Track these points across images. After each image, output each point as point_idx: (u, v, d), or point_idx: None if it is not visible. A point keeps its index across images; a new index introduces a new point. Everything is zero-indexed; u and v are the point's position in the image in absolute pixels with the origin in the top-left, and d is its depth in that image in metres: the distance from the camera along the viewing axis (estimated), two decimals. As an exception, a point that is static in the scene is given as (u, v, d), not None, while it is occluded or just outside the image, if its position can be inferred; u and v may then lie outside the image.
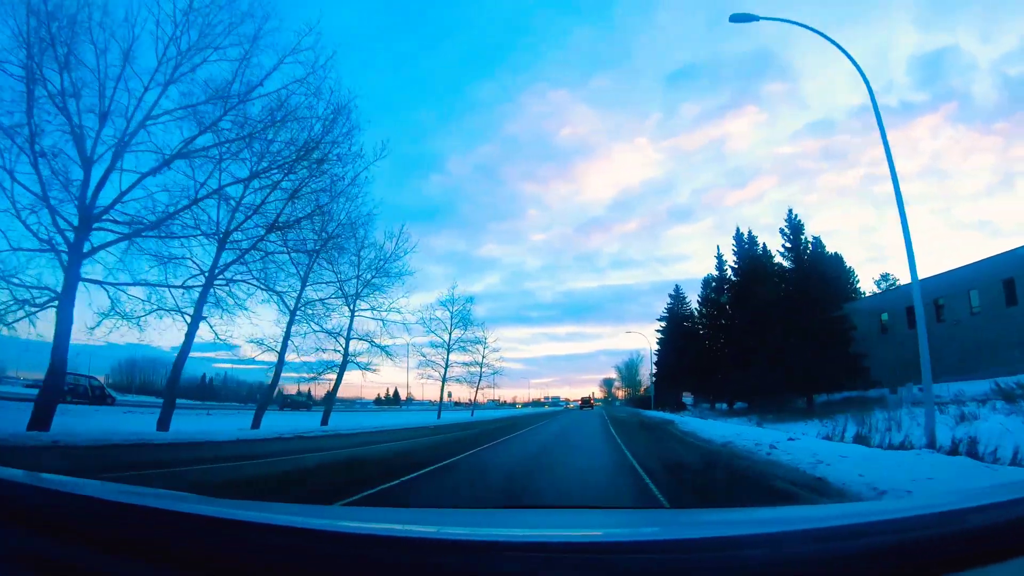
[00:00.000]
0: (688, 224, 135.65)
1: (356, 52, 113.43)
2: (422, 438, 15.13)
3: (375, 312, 22.86)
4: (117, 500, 1.28)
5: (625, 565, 0.94)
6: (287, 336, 18.82)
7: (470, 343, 37.24)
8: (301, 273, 19.42)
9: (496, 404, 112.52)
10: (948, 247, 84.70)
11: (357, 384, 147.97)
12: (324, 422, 21.42)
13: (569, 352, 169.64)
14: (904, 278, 50.62)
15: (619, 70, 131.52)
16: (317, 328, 21.45)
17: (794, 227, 31.11)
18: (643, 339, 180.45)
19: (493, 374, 40.64)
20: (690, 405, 48.64)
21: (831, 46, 11.03)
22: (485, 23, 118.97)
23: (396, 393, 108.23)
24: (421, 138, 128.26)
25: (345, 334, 22.10)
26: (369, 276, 22.45)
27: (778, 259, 37.75)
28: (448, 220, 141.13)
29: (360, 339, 22.64)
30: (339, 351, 22.00)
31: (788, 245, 31.09)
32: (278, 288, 18.53)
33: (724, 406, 42.39)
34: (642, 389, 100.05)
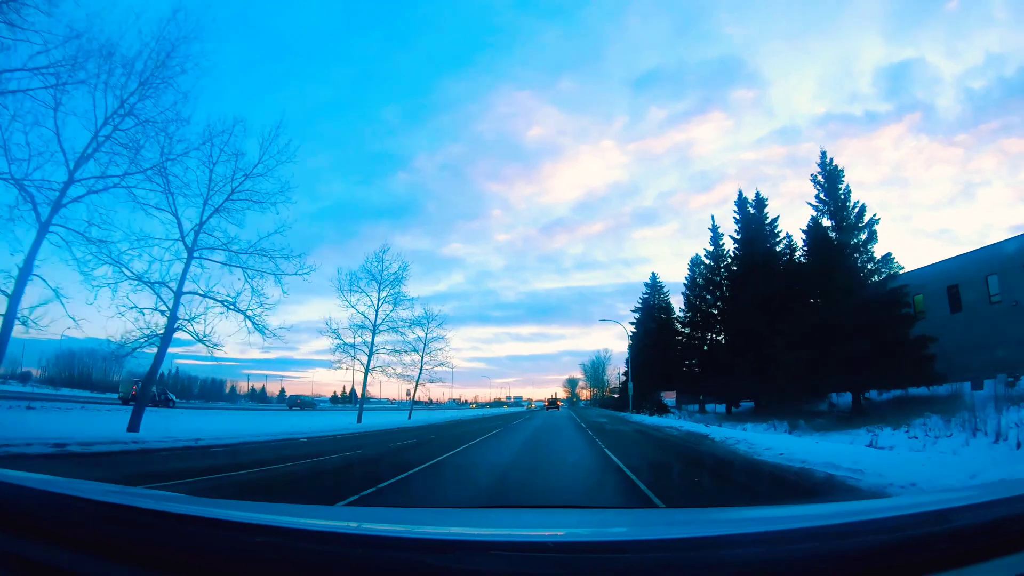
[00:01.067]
0: (653, 227, 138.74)
1: (322, 45, 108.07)
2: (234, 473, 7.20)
3: (230, 254, 14.20)
4: (104, 500, 1.26)
5: (612, 565, 0.93)
6: (28, 266, 10.18)
7: (405, 325, 28.76)
8: (70, 160, 10.83)
9: (457, 403, 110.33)
10: (909, 255, 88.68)
11: (309, 381, 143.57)
12: (132, 427, 12.77)
13: (532, 352, 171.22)
14: (915, 262, 44.84)
15: (587, 73, 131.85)
16: (129, 274, 12.82)
17: (830, 175, 23.96)
18: (618, 331, 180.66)
19: (439, 366, 32.31)
20: (672, 407, 41.69)
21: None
22: (454, 21, 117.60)
23: (353, 391, 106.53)
24: (388, 135, 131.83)
25: (176, 286, 13.42)
26: (220, 200, 13.82)
27: (784, 236, 31.23)
28: (414, 218, 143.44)
29: (205, 296, 13.97)
30: (164, 312, 13.30)
31: (824, 198, 23.67)
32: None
33: (721, 408, 35.48)
34: (607, 390, 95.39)
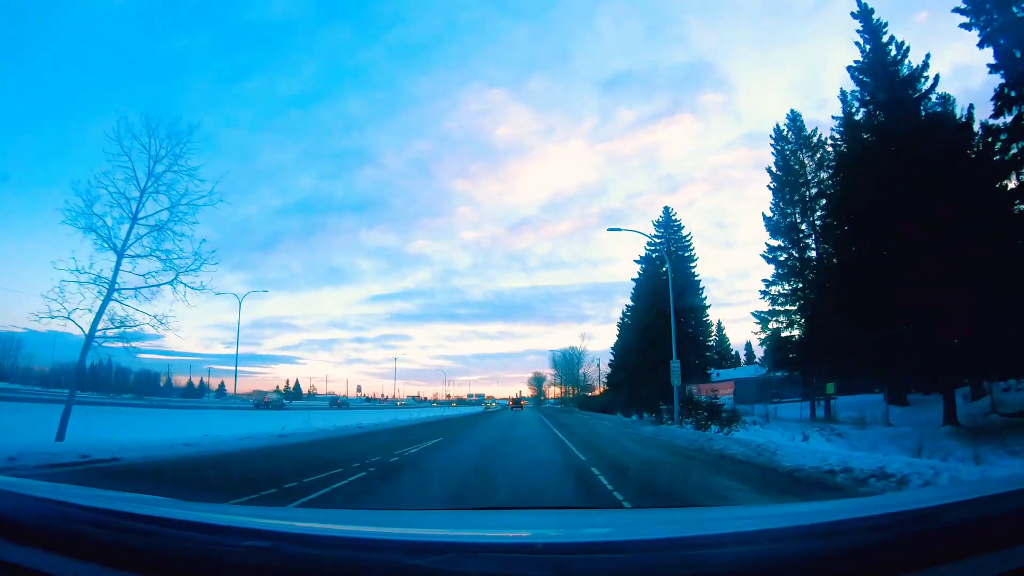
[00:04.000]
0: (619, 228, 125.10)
1: (289, 36, 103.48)
2: None
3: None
4: (88, 505, 1.21)
5: (602, 566, 0.93)
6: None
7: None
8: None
9: (415, 400, 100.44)
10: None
11: (271, 377, 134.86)
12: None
13: (498, 351, 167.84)
14: None
15: (557, 73, 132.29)
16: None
17: None
18: (586, 330, 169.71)
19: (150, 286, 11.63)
20: (730, 404, 21.76)
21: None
22: (424, 17, 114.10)
23: (297, 385, 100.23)
24: (356, 130, 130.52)
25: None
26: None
27: None
28: (380, 214, 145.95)
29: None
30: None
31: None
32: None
33: (880, 405, 16.05)
34: (574, 389, 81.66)
